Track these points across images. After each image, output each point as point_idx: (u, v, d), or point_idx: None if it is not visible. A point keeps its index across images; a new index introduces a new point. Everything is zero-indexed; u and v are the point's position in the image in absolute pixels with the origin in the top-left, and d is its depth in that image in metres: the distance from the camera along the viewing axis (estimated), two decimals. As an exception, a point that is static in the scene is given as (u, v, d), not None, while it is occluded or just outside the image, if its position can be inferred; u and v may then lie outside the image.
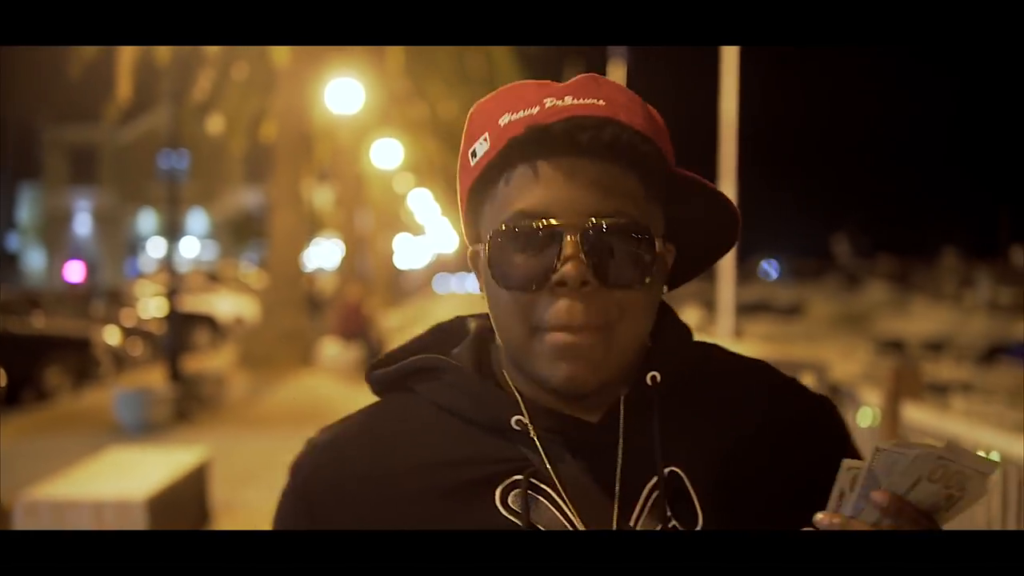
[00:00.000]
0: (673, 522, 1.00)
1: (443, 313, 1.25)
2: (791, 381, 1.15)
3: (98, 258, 47.98)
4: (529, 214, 0.99)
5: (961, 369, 18.27)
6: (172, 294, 13.13)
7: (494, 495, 1.00)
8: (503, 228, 1.00)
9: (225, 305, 25.53)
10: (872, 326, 30.66)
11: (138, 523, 5.47)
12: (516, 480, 1.01)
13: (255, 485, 7.78)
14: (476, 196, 1.05)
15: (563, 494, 1.01)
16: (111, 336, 16.52)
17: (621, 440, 1.03)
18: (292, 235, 17.71)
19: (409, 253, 54.14)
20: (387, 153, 23.76)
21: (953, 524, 0.96)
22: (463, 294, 50.09)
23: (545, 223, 0.98)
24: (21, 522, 5.47)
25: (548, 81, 1.06)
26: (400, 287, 45.27)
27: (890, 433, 4.32)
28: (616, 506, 1.01)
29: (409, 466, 1.03)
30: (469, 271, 1.11)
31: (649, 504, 1.01)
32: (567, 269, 0.97)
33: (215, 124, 20.27)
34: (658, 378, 1.05)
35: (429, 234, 53.97)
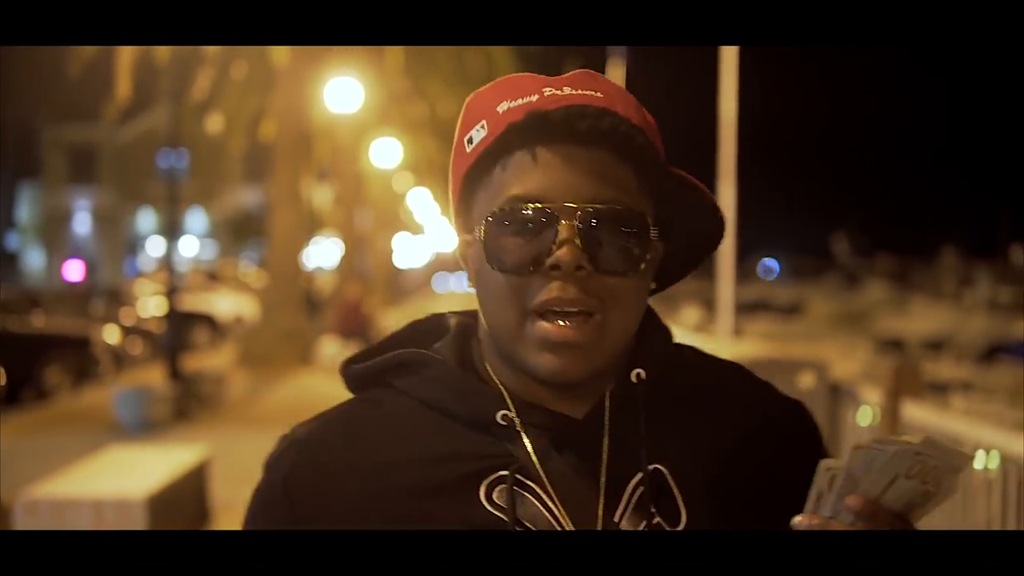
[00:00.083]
0: (657, 519, 1.01)
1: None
2: (766, 384, 1.17)
3: (97, 257, 47.97)
4: (525, 199, 1.00)
5: (961, 368, 18.28)
6: (171, 293, 13.14)
7: (479, 490, 1.00)
8: (500, 211, 1.00)
9: (224, 304, 25.52)
10: (872, 325, 30.66)
11: (138, 522, 5.47)
12: (502, 476, 1.01)
13: (255, 484, 7.76)
14: (470, 183, 1.05)
15: (549, 490, 1.01)
16: (111, 335, 16.52)
17: (606, 436, 1.04)
18: (291, 234, 17.71)
19: (408, 252, 54.15)
20: (386, 152, 23.75)
21: (954, 523, 0.96)
22: (462, 293, 49.84)
23: (542, 207, 0.99)
24: (21, 520, 5.47)
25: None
26: (399, 286, 45.25)
27: (890, 431, 4.32)
28: (601, 502, 1.01)
29: (391, 462, 1.03)
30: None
31: (634, 501, 1.02)
32: (562, 253, 0.97)
33: (214, 123, 20.26)
34: (643, 375, 1.06)
35: (428, 233, 53.98)
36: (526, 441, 1.03)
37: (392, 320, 23.78)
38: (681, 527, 1.01)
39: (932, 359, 20.16)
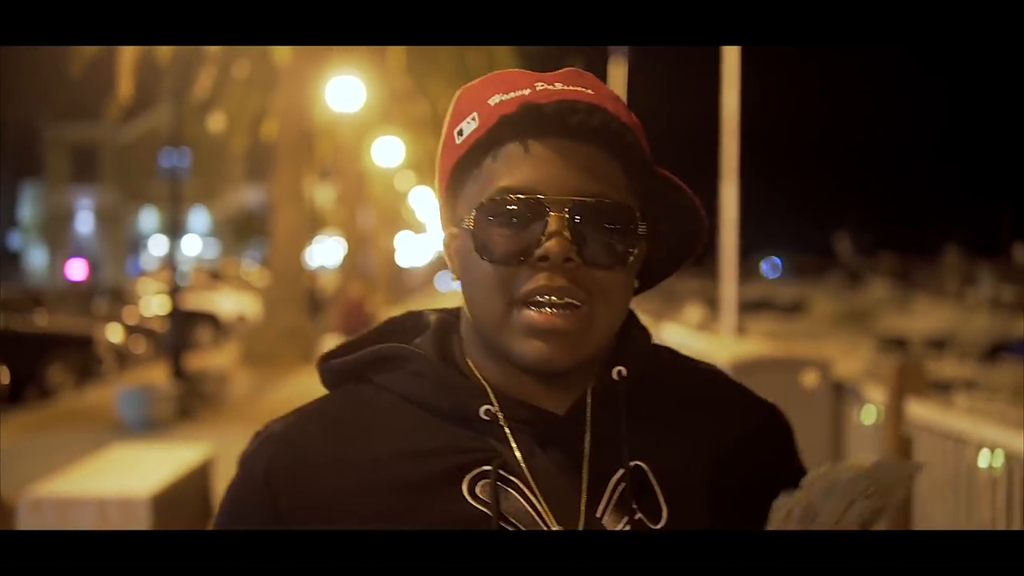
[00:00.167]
0: (639, 515, 1.02)
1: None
2: (741, 386, 1.18)
3: (100, 256, 48.01)
4: (516, 190, 1.00)
5: (964, 367, 18.26)
6: (174, 292, 13.15)
7: (462, 485, 1.00)
8: (490, 201, 1.01)
9: (227, 303, 25.54)
10: (874, 324, 30.61)
11: (142, 520, 5.47)
12: (485, 470, 1.01)
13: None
14: (459, 175, 1.05)
15: (532, 485, 1.01)
16: (114, 334, 16.54)
17: (588, 433, 1.04)
18: (294, 233, 17.71)
19: (411, 251, 54.19)
20: (388, 151, 23.76)
21: (959, 522, 0.96)
22: (465, 292, 49.88)
23: (532, 198, 1.00)
24: (25, 519, 5.48)
25: None
26: (402, 285, 45.26)
27: (894, 430, 4.32)
28: (583, 498, 1.02)
29: (372, 456, 1.03)
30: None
31: (616, 497, 1.02)
32: (551, 245, 0.98)
33: (216, 122, 20.28)
34: (624, 372, 1.07)
35: (431, 232, 54.00)
36: (509, 436, 1.03)
37: (394, 319, 23.75)
38: (662, 523, 1.02)
39: (935, 357, 20.13)
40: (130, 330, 18.16)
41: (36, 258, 49.14)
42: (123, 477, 5.90)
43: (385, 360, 1.09)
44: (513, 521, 0.99)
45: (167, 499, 5.79)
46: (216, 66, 18.40)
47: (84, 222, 48.99)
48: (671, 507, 1.03)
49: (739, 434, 1.11)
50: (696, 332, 10.03)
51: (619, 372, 1.07)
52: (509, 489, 1.01)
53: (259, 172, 41.95)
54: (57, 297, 22.37)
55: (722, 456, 1.08)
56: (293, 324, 17.41)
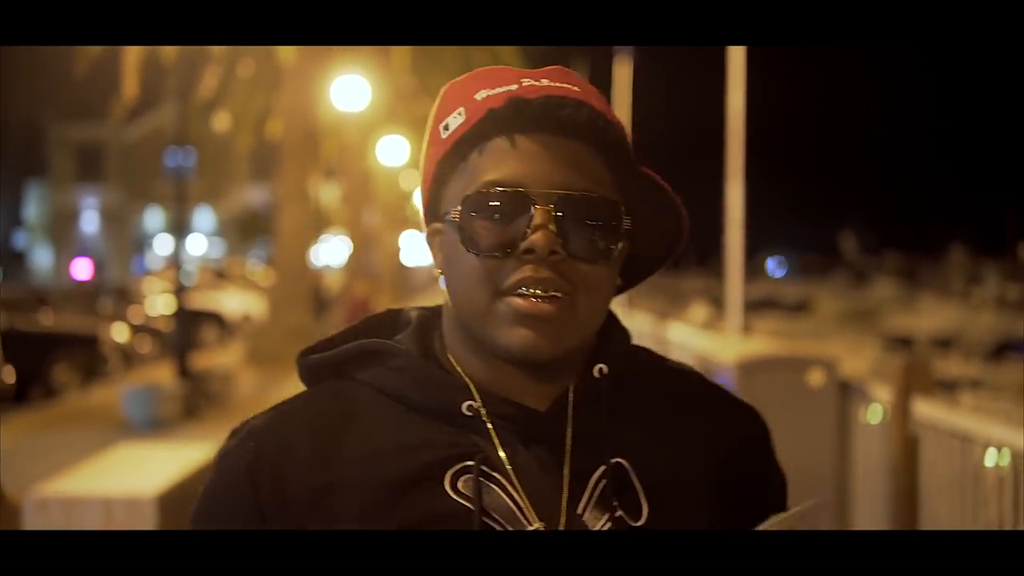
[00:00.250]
0: (620, 512, 1.02)
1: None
2: (718, 386, 1.19)
3: (105, 255, 48.07)
4: (502, 183, 1.01)
5: (969, 365, 18.24)
6: (179, 291, 13.16)
7: (445, 480, 1.01)
8: (476, 194, 1.02)
9: (232, 302, 25.58)
10: (880, 323, 30.58)
11: (148, 520, 5.48)
12: (467, 465, 1.01)
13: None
14: (445, 169, 1.06)
15: (514, 481, 1.02)
16: (119, 333, 16.57)
17: (570, 429, 1.05)
18: (299, 232, 17.72)
19: (416, 250, 54.15)
20: (393, 150, 23.76)
21: (966, 522, 0.96)
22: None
23: (518, 191, 1.00)
24: (31, 518, 5.48)
25: None
26: (407, 283, 45.26)
27: (900, 429, 4.31)
28: (565, 494, 1.02)
29: (355, 452, 1.03)
30: None
31: (597, 493, 1.03)
32: (536, 237, 0.99)
33: (221, 122, 20.28)
34: (605, 370, 1.07)
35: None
36: (491, 432, 1.04)
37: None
38: (642, 520, 1.03)
39: (941, 356, 20.10)
40: (135, 329, 18.18)
41: (41, 258, 49.22)
42: (129, 477, 5.90)
43: (367, 356, 1.09)
44: (495, 516, 1.00)
45: (173, 499, 5.79)
46: (221, 66, 18.40)
47: (89, 221, 49.07)
48: (652, 505, 1.04)
49: (717, 433, 1.12)
50: (701, 331, 10.02)
51: (600, 370, 1.07)
52: (491, 485, 1.01)
53: (264, 171, 41.98)
54: (62, 296, 22.36)
55: (701, 455, 1.09)
56: (298, 323, 17.41)
